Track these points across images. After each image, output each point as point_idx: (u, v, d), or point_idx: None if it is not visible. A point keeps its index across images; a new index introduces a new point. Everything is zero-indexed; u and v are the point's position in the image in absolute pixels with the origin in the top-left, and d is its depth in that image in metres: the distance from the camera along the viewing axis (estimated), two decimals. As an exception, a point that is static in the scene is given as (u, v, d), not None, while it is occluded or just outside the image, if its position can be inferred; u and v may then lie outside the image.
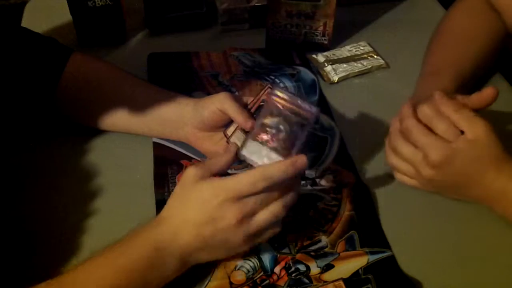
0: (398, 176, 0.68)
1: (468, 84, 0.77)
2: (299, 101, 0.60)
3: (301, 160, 0.56)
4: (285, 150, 0.58)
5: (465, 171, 0.62)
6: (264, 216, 0.56)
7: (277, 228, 0.59)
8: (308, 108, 0.60)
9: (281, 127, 0.59)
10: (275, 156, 0.58)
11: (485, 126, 0.61)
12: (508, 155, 0.62)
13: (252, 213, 0.55)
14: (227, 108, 0.64)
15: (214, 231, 0.54)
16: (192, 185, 0.56)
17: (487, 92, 0.64)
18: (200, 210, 0.55)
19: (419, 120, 0.64)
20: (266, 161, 0.58)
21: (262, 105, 0.63)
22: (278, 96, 0.60)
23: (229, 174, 0.58)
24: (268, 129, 0.59)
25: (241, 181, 0.55)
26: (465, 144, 0.61)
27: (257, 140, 0.59)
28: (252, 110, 0.65)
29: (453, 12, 0.86)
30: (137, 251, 0.54)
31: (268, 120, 0.60)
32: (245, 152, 0.59)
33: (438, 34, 0.84)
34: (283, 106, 0.60)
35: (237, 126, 0.64)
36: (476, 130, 0.62)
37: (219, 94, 0.66)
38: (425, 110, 0.64)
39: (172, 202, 0.57)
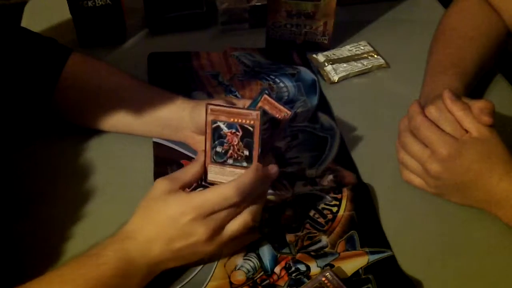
0: (405, 175, 0.69)
1: (472, 83, 0.77)
2: (239, 110, 0.59)
3: (275, 170, 0.59)
4: (244, 159, 0.59)
5: (472, 168, 0.62)
6: (233, 226, 0.57)
7: (253, 236, 0.62)
8: (251, 113, 0.59)
9: (229, 141, 0.59)
10: (238, 170, 0.59)
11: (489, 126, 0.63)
12: None
13: (222, 226, 0.56)
14: None
15: (185, 245, 0.56)
16: (160, 199, 0.56)
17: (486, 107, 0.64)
18: (170, 225, 0.55)
19: (427, 118, 0.65)
20: (231, 178, 0.58)
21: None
22: (217, 111, 0.59)
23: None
24: (219, 147, 0.60)
25: (210, 198, 0.55)
26: (471, 140, 0.62)
27: (216, 162, 0.60)
28: None
29: (453, 10, 0.86)
30: (107, 263, 0.53)
31: (217, 141, 0.60)
32: (210, 177, 0.60)
33: (440, 33, 0.84)
34: (225, 119, 0.59)
35: None
36: (479, 128, 0.63)
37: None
38: (431, 111, 0.65)
39: (140, 215, 0.57)
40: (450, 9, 0.87)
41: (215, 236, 0.56)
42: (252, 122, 0.58)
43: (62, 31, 0.92)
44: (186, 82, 0.85)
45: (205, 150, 0.60)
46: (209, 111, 0.59)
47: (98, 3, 0.86)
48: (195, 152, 0.72)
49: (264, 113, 0.60)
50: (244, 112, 0.59)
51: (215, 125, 0.59)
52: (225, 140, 0.59)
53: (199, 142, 0.70)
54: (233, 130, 0.59)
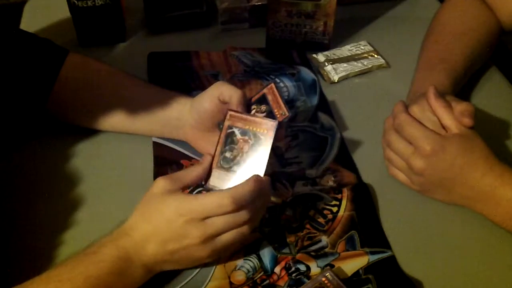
0: (391, 170, 0.69)
1: (461, 79, 0.78)
2: (255, 118, 0.59)
3: (266, 181, 0.58)
4: (249, 168, 0.59)
5: (455, 163, 0.63)
6: (230, 236, 0.56)
7: (253, 236, 0.61)
8: (266, 122, 0.59)
9: (239, 147, 0.59)
10: (240, 179, 0.58)
11: None
12: (497, 157, 0.64)
13: (216, 233, 0.55)
14: (224, 90, 0.63)
15: (178, 247, 0.55)
16: (159, 198, 0.56)
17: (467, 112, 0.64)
18: (165, 226, 0.55)
19: (410, 116, 0.66)
20: (232, 184, 0.58)
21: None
22: (235, 117, 0.60)
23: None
24: (228, 153, 0.59)
25: (206, 202, 0.54)
26: (453, 136, 0.63)
27: (222, 167, 0.59)
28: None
29: (444, 8, 0.87)
30: (105, 260, 0.53)
31: (227, 147, 0.60)
32: (211, 182, 0.60)
33: (430, 30, 0.85)
34: (240, 126, 0.60)
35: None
36: (459, 125, 0.64)
37: (213, 85, 0.66)
38: (414, 111, 0.67)
39: (138, 213, 0.57)
40: (442, 6, 0.87)
41: (208, 241, 0.55)
42: (265, 131, 0.58)
43: (62, 31, 0.92)
44: (186, 81, 0.85)
45: (214, 154, 0.60)
46: (228, 116, 0.60)
47: (98, 3, 0.86)
48: (195, 152, 0.72)
49: (264, 100, 0.60)
50: (260, 120, 0.59)
51: (230, 130, 0.59)
52: (236, 146, 0.59)
53: (198, 140, 0.70)
54: (246, 137, 0.59)
